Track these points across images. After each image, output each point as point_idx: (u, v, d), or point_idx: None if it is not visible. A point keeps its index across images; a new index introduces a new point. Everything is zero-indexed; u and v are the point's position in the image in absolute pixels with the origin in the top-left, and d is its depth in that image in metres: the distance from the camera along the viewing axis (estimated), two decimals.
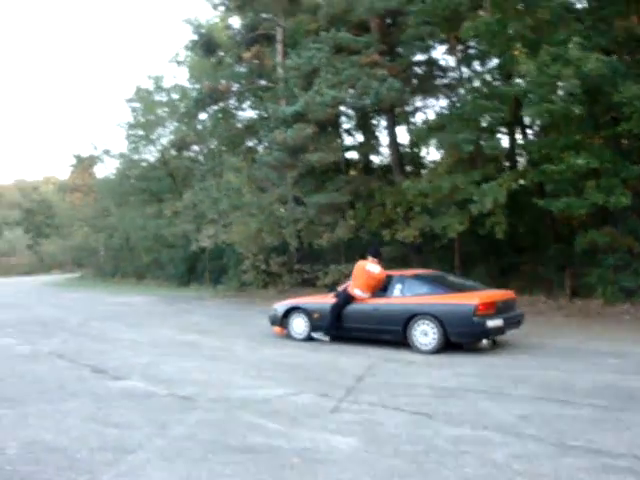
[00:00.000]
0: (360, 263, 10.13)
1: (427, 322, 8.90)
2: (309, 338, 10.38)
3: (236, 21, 26.60)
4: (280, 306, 11.08)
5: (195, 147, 27.54)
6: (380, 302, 9.63)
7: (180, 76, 42.88)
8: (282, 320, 10.86)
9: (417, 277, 9.85)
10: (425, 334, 8.90)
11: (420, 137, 15.40)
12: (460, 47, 17.69)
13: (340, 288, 10.37)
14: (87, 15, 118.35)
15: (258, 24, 22.96)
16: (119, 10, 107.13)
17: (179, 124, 27.61)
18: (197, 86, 29.45)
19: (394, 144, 17.97)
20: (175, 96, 33.18)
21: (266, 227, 17.17)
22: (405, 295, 9.44)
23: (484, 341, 8.91)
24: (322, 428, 5.17)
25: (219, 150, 23.40)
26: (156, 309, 18.03)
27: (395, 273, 10.18)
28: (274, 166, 14.86)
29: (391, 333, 9.35)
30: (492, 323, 8.58)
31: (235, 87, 22.43)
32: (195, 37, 27.08)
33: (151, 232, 30.24)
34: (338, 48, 15.01)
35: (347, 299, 9.90)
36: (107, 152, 37.28)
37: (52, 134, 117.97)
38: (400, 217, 16.28)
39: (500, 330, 8.88)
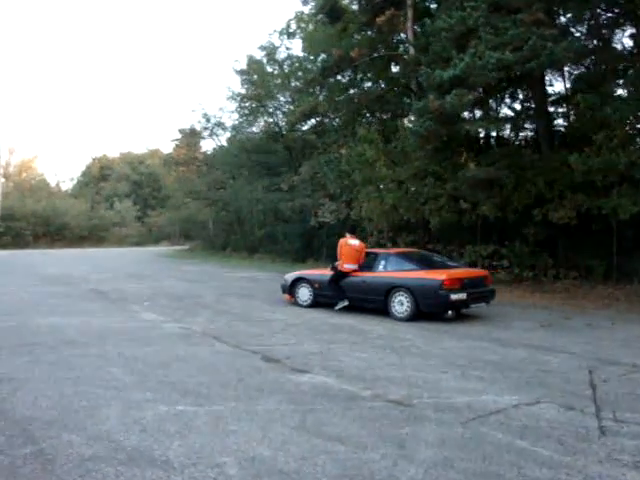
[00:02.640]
0: (342, 240, 11.57)
1: (402, 293, 10.33)
2: (313, 305, 11.81)
3: None
4: (289, 276, 12.60)
5: (312, 120, 26.64)
6: (367, 275, 11.12)
7: (292, 48, 41.79)
8: (290, 289, 12.27)
9: (399, 255, 11.34)
10: (401, 304, 10.33)
11: (589, 105, 13.64)
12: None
13: (336, 264, 11.56)
14: None
15: None
16: None
17: (300, 94, 26.56)
18: (312, 57, 28.61)
19: (545, 114, 16.27)
20: (287, 68, 32.50)
21: (403, 203, 15.98)
22: (387, 270, 10.90)
23: (449, 312, 10.10)
24: (610, 459, 4.02)
25: (345, 121, 22.26)
26: None
27: (381, 251, 11.97)
28: (425, 137, 13.61)
29: (374, 302, 10.83)
30: (455, 297, 9.87)
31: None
32: (312, 6, 26.07)
33: (266, 206, 29.64)
34: (495, 6, 13.48)
35: (341, 274, 11.32)
36: (220, 125, 36.91)
37: (155, 106, 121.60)
38: (555, 195, 14.67)
39: (464, 303, 10.10)
